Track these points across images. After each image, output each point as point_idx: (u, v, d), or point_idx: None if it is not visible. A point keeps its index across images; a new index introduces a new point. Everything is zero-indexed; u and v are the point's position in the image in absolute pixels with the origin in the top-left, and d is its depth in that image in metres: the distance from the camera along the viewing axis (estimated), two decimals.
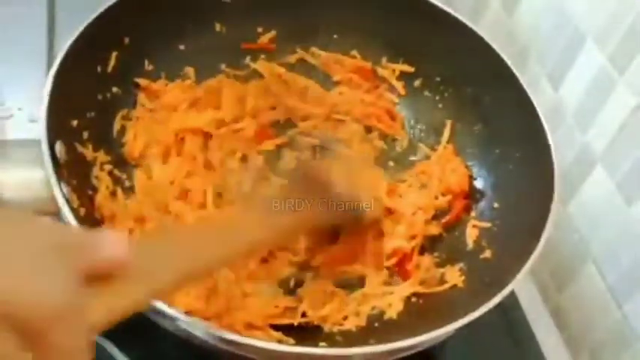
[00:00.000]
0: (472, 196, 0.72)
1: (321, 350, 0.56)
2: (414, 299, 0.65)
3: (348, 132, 0.77)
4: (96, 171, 0.65)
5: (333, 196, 0.60)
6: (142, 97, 0.72)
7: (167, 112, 0.71)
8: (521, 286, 0.68)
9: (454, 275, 0.66)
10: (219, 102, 0.72)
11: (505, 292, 0.56)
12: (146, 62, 0.73)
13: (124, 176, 0.68)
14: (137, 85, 0.72)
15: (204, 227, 0.53)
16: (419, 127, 0.79)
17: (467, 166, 0.74)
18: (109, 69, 0.69)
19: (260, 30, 0.79)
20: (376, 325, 0.64)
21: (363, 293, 0.66)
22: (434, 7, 0.75)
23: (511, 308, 0.73)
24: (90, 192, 0.63)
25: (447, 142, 0.76)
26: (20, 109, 0.79)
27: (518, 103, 0.69)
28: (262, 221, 0.54)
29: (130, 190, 0.67)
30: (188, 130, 0.70)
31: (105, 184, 0.65)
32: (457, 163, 0.74)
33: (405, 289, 0.65)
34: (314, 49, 0.81)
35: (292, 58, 0.80)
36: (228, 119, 0.72)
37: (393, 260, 0.68)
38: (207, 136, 0.71)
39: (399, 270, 0.68)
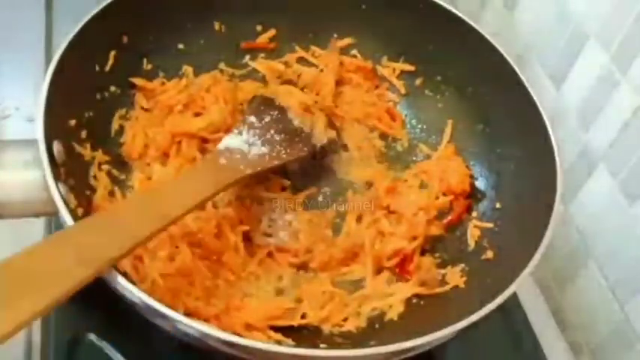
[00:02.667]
0: (473, 196, 0.72)
1: (321, 352, 0.56)
2: (415, 300, 0.65)
3: (349, 131, 0.77)
4: (94, 171, 0.65)
5: (288, 121, 0.70)
6: (139, 96, 0.72)
7: (163, 113, 0.71)
8: (523, 286, 0.68)
9: (455, 276, 0.65)
10: (211, 102, 0.72)
11: (507, 293, 0.56)
12: (145, 61, 0.73)
13: (122, 176, 0.67)
14: (135, 85, 0.72)
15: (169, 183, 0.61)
16: (419, 126, 0.79)
17: (468, 166, 0.74)
18: (107, 68, 0.69)
19: (259, 29, 0.79)
20: (377, 326, 0.63)
21: (363, 294, 0.65)
22: (435, 5, 0.75)
23: (513, 309, 0.73)
24: (88, 192, 0.63)
25: (448, 141, 0.76)
26: (18, 108, 0.79)
27: (521, 102, 0.69)
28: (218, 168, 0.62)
29: (128, 190, 0.67)
30: (183, 134, 0.69)
31: (103, 184, 0.64)
32: (458, 163, 0.74)
33: (405, 290, 0.65)
34: (314, 48, 0.80)
35: (292, 57, 0.80)
36: (219, 123, 0.71)
37: (394, 261, 0.67)
38: (203, 139, 0.70)
39: (400, 271, 0.67)
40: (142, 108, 0.72)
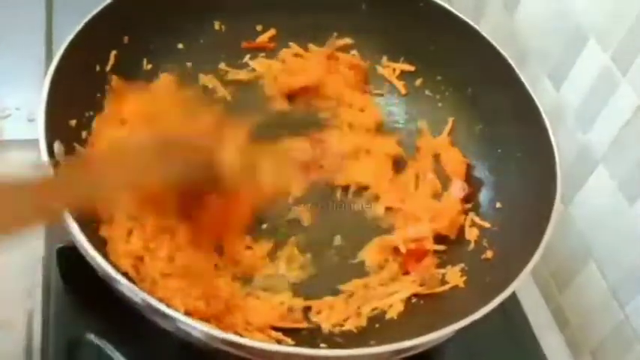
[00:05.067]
0: (473, 195, 0.72)
1: (321, 351, 0.56)
2: (414, 300, 0.65)
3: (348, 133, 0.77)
4: None
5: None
6: None
7: None
8: (523, 286, 0.68)
9: (455, 276, 0.65)
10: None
11: (506, 293, 0.56)
12: (145, 61, 0.73)
13: None
14: None
15: None
16: (419, 126, 0.79)
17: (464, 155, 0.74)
18: (108, 68, 0.69)
19: (259, 28, 0.79)
20: (377, 325, 0.63)
21: (363, 294, 0.65)
22: (436, 5, 0.75)
23: (512, 309, 0.73)
24: None
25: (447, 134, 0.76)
26: (18, 108, 0.79)
27: (520, 102, 0.69)
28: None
29: None
30: None
31: None
32: (454, 152, 0.74)
33: (406, 290, 0.65)
34: (312, 47, 0.80)
35: (287, 53, 0.79)
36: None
37: (396, 260, 0.67)
38: None
39: (406, 263, 0.67)
40: None
